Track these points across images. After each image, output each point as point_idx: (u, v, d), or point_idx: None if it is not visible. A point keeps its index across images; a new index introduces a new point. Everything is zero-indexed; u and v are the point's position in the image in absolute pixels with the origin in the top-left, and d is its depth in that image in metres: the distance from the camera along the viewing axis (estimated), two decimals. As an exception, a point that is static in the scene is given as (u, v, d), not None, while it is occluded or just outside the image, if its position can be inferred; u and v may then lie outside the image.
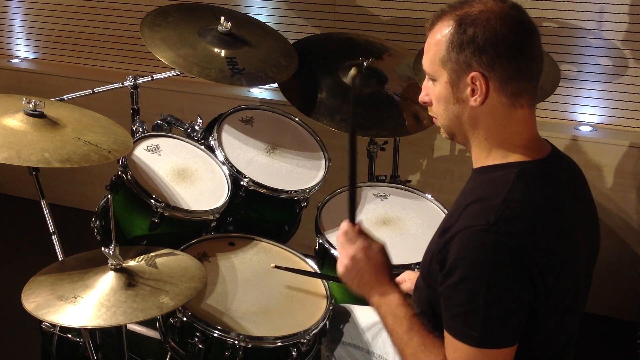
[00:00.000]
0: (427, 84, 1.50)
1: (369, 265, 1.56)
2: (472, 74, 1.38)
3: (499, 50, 1.36)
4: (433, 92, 1.47)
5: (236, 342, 1.87)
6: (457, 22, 1.39)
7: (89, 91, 2.59)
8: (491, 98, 1.40)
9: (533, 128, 1.45)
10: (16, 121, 1.96)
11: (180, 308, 1.88)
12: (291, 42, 2.79)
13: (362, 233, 1.61)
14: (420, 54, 2.64)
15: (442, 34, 1.41)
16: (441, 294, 1.39)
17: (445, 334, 1.39)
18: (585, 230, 1.49)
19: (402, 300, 1.52)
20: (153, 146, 2.38)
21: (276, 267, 2.09)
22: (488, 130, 1.43)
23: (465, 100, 1.42)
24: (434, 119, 1.53)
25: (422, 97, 1.52)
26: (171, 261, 1.93)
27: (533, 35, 1.40)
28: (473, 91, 1.40)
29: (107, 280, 1.77)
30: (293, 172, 2.47)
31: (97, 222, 2.35)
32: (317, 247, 2.32)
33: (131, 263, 1.87)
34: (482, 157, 1.46)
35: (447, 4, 1.44)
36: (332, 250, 2.26)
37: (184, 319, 1.90)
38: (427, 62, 1.46)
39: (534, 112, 1.45)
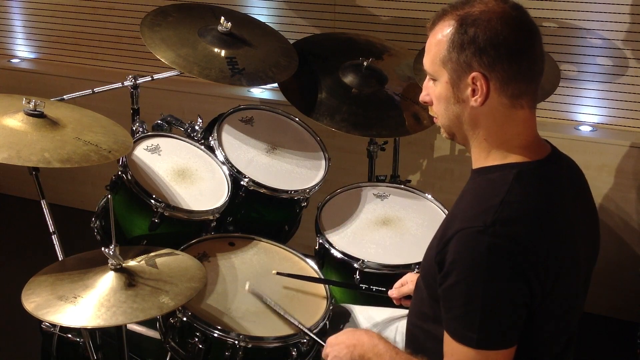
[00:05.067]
0: (427, 84, 1.50)
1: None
2: (473, 74, 1.38)
3: (499, 51, 1.36)
4: (434, 91, 1.47)
5: (236, 342, 1.87)
6: (458, 22, 1.39)
7: (89, 91, 2.59)
8: (491, 99, 1.39)
9: (533, 129, 1.45)
10: (16, 121, 1.96)
11: (180, 308, 1.88)
12: (291, 42, 2.79)
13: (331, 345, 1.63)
14: (420, 54, 2.65)
15: (443, 34, 1.41)
16: (440, 296, 1.39)
17: (445, 335, 1.39)
18: (585, 231, 1.49)
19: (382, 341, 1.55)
20: (153, 146, 2.38)
21: (278, 273, 2.09)
22: (488, 131, 1.43)
23: (465, 101, 1.42)
24: (434, 118, 1.53)
25: (423, 97, 1.52)
26: (171, 261, 1.93)
27: (534, 36, 1.40)
28: (474, 91, 1.40)
29: (107, 280, 1.77)
30: (293, 172, 2.47)
31: (97, 222, 2.35)
32: (317, 247, 2.32)
33: (131, 263, 1.87)
34: (482, 157, 1.46)
35: (449, 4, 1.44)
36: (332, 250, 2.26)
37: (184, 319, 1.90)
38: (427, 62, 1.46)
39: (534, 113, 1.45)
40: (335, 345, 1.60)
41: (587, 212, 1.53)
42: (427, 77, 1.49)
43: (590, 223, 1.54)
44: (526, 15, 1.41)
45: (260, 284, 2.06)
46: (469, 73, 1.39)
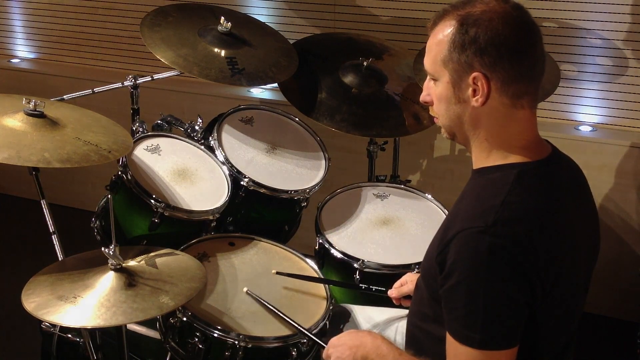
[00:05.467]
0: (428, 84, 1.50)
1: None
2: (474, 74, 1.38)
3: (501, 51, 1.36)
4: (434, 91, 1.47)
5: (236, 342, 1.87)
6: (459, 22, 1.39)
7: (89, 91, 2.59)
8: (492, 99, 1.39)
9: (534, 129, 1.45)
10: (16, 121, 1.96)
11: (180, 308, 1.88)
12: (291, 42, 2.79)
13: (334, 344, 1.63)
14: (420, 54, 2.65)
15: (444, 33, 1.41)
16: (442, 297, 1.39)
17: (447, 336, 1.39)
18: (585, 231, 1.49)
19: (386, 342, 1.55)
20: (153, 146, 2.38)
21: (278, 273, 2.09)
22: (489, 131, 1.43)
23: (466, 101, 1.41)
24: (434, 118, 1.53)
25: (424, 97, 1.52)
26: (171, 261, 1.93)
27: (535, 37, 1.40)
28: (474, 91, 1.39)
29: (107, 280, 1.77)
30: (293, 172, 2.47)
31: (97, 222, 2.35)
32: (317, 247, 2.32)
33: (131, 263, 1.87)
34: (482, 157, 1.46)
35: (449, 4, 1.44)
36: (332, 250, 2.26)
37: (184, 319, 1.90)
38: (428, 62, 1.46)
39: (535, 113, 1.45)
40: (338, 346, 1.60)
41: (587, 213, 1.53)
42: (428, 77, 1.49)
43: (590, 223, 1.54)
44: (527, 15, 1.41)
45: (260, 284, 2.07)
46: (470, 73, 1.38)
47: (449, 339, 1.38)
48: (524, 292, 1.33)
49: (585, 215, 1.52)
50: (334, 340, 1.63)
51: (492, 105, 1.40)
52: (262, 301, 1.98)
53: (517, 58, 1.37)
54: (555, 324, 1.42)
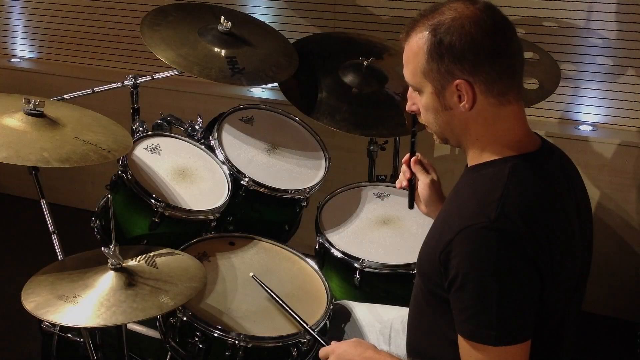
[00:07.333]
0: (412, 94, 1.51)
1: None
2: (456, 81, 1.39)
3: (478, 55, 1.37)
4: (420, 102, 1.48)
5: (236, 342, 1.87)
6: (431, 32, 1.39)
7: (89, 91, 2.59)
8: (479, 101, 1.40)
9: (523, 122, 1.46)
10: (16, 121, 1.96)
11: (180, 308, 1.88)
12: (291, 42, 2.79)
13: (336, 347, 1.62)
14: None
15: (418, 45, 1.42)
16: (450, 298, 1.39)
17: (460, 339, 1.39)
18: (580, 219, 1.50)
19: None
20: (153, 146, 2.38)
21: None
22: (479, 131, 1.44)
23: (453, 107, 1.42)
24: (425, 126, 1.54)
25: (410, 107, 1.53)
26: (171, 261, 1.93)
27: (510, 33, 1.41)
28: (460, 97, 1.40)
29: (107, 280, 1.77)
30: (293, 172, 2.47)
31: (97, 222, 2.35)
32: (317, 247, 2.32)
33: (131, 263, 1.87)
34: (476, 155, 1.48)
35: (418, 12, 1.44)
36: (332, 250, 2.26)
37: (184, 318, 1.90)
38: (409, 75, 1.47)
39: (522, 106, 1.46)
40: (341, 355, 1.59)
41: (581, 201, 1.53)
42: (410, 87, 1.49)
43: (584, 211, 1.53)
44: (498, 13, 1.41)
45: (259, 284, 2.06)
46: (452, 81, 1.39)
47: (462, 341, 1.38)
48: (535, 281, 1.34)
49: (579, 203, 1.51)
50: (338, 350, 1.61)
51: (479, 107, 1.41)
52: (267, 289, 1.97)
53: (496, 58, 1.38)
54: (557, 312, 1.43)
